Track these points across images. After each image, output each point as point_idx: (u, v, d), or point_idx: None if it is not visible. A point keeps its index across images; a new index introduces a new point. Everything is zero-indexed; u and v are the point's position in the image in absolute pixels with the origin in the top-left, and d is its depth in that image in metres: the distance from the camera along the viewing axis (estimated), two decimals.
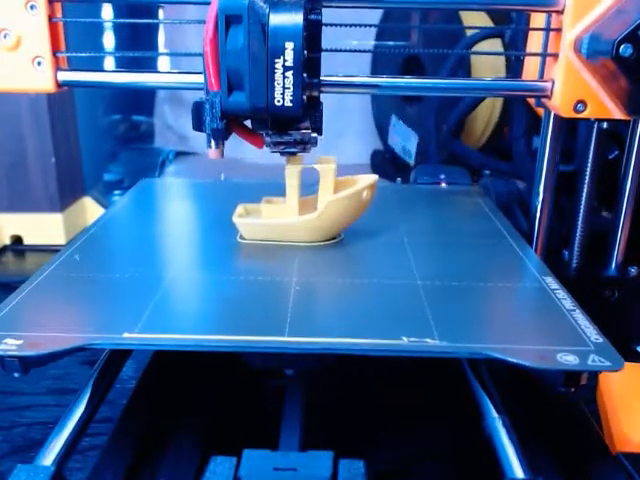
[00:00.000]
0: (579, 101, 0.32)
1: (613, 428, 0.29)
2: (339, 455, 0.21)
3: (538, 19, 0.35)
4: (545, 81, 0.34)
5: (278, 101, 0.29)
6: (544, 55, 0.34)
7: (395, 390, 0.35)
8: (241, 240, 0.36)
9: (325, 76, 0.32)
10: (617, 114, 0.32)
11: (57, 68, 0.33)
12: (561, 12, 0.32)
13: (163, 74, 0.35)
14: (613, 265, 0.39)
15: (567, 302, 0.28)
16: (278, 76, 0.29)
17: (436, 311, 0.27)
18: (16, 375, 0.23)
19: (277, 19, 0.28)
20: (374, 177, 0.35)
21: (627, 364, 0.23)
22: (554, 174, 0.39)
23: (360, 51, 0.34)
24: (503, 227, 0.38)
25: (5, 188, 0.61)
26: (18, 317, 0.26)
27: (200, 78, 0.31)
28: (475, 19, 0.68)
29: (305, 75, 0.29)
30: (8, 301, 0.28)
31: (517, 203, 0.50)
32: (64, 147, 0.63)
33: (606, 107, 0.32)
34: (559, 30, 0.32)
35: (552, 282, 0.30)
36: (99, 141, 0.83)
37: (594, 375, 0.29)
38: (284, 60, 0.28)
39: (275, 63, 0.28)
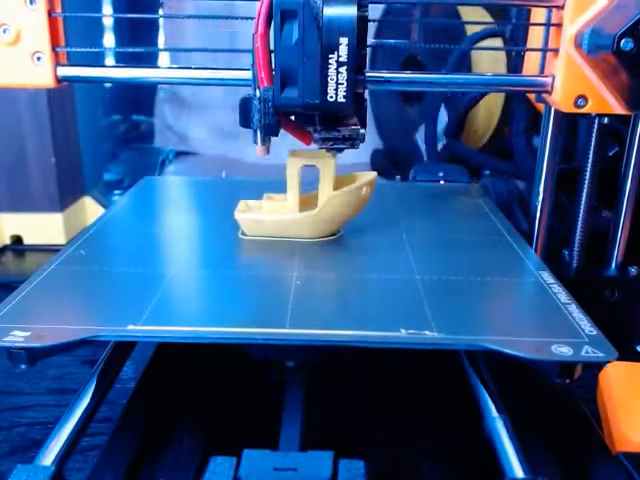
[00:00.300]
0: (580, 96, 0.32)
1: (613, 428, 0.29)
2: (339, 455, 0.21)
3: (538, 15, 0.35)
4: (546, 76, 0.34)
5: (331, 97, 0.29)
6: (544, 50, 0.34)
7: (395, 390, 0.35)
8: (243, 236, 0.36)
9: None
10: (618, 109, 0.32)
11: (56, 63, 0.33)
12: (561, 7, 0.32)
13: (163, 69, 0.35)
14: (613, 265, 0.39)
15: (562, 296, 0.28)
16: (332, 72, 0.29)
17: (434, 305, 0.27)
18: (23, 367, 0.24)
19: (331, 14, 0.28)
20: (373, 174, 0.36)
21: (627, 364, 0.23)
22: (554, 173, 0.39)
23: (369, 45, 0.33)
24: (500, 224, 0.39)
25: (5, 188, 0.61)
26: (25, 310, 0.27)
27: (197, 73, 0.31)
28: (475, 19, 0.68)
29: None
30: (15, 294, 0.28)
31: (517, 203, 0.50)
32: (64, 147, 0.63)
33: (607, 102, 0.32)
34: (559, 25, 0.32)
35: (548, 277, 0.31)
36: (99, 141, 0.82)
37: (588, 367, 0.29)
38: (338, 56, 0.28)
39: (329, 59, 0.28)
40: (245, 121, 0.31)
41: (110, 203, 0.68)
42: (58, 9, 0.33)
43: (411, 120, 0.78)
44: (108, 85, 0.87)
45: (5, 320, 0.26)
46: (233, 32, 0.52)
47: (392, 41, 0.78)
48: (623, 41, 0.29)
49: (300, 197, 0.35)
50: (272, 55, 0.30)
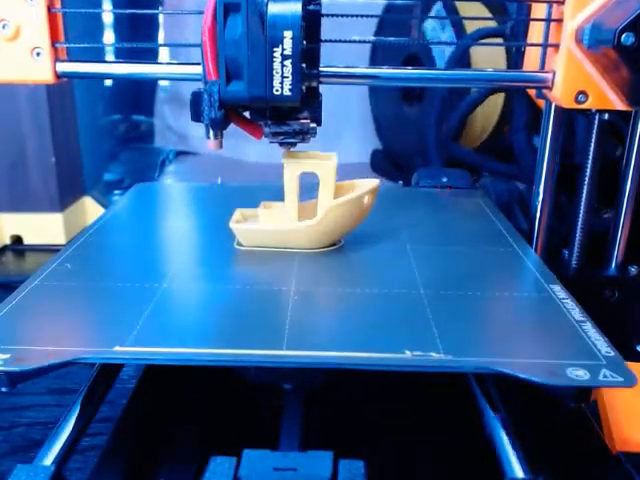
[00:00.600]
0: (580, 92, 0.32)
1: (613, 428, 0.29)
2: (339, 455, 0.21)
3: (539, 10, 0.35)
4: (546, 72, 0.34)
5: (277, 90, 0.29)
6: (545, 46, 0.34)
7: (394, 389, 0.34)
8: (238, 246, 0.35)
9: (324, 67, 0.32)
10: (619, 105, 0.32)
11: (56, 59, 0.33)
12: (562, 3, 0.32)
13: (162, 65, 0.35)
14: (613, 265, 0.39)
15: (576, 313, 0.27)
16: (277, 65, 0.29)
17: (440, 323, 0.26)
18: (3, 390, 0.23)
19: (276, 8, 0.28)
20: (376, 182, 0.34)
21: (627, 364, 0.23)
22: (554, 173, 0.39)
23: (360, 42, 0.33)
24: (507, 232, 0.38)
25: (5, 188, 0.61)
26: (5, 329, 0.25)
27: (199, 69, 0.31)
28: (477, 22, 0.68)
29: (304, 65, 0.29)
30: None
31: (517, 203, 0.50)
32: (64, 147, 0.63)
33: (607, 98, 0.32)
34: (560, 21, 0.32)
35: (560, 291, 0.29)
36: (99, 141, 0.82)
37: None
38: (282, 49, 0.28)
39: (274, 52, 0.28)
40: (196, 115, 0.31)
41: (110, 203, 0.68)
42: (57, 5, 0.33)
43: (411, 121, 0.78)
44: (108, 84, 0.87)
45: None
46: None
47: (391, 39, 0.78)
48: (624, 36, 0.29)
49: (299, 205, 0.34)
50: None
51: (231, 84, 0.29)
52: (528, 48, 0.37)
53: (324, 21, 0.30)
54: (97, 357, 0.24)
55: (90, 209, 0.67)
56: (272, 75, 0.29)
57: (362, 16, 0.33)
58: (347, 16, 0.32)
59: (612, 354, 0.24)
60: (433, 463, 0.30)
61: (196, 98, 0.30)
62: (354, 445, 0.29)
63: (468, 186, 0.49)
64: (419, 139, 0.71)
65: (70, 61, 0.34)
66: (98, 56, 0.62)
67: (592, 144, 0.37)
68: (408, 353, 0.24)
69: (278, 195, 0.35)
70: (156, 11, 0.71)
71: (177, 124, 0.94)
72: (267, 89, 0.29)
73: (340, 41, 0.32)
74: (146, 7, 0.36)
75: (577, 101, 0.32)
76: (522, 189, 0.53)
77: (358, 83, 0.35)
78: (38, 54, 0.33)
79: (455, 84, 0.38)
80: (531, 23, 0.37)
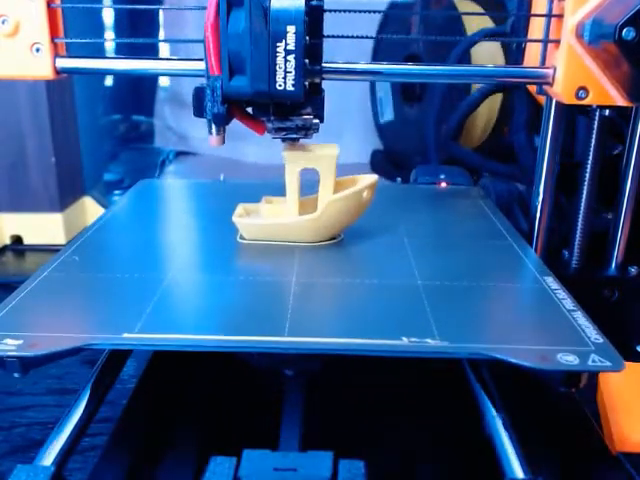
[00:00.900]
0: (581, 87, 0.32)
1: (613, 428, 0.29)
2: (339, 455, 0.21)
3: (540, 6, 0.35)
4: (547, 68, 0.34)
5: (280, 85, 0.29)
6: (545, 42, 0.34)
7: (394, 388, 0.35)
8: (241, 240, 0.36)
9: (326, 63, 0.32)
10: (619, 101, 0.32)
11: (55, 55, 0.33)
12: None
13: (163, 61, 0.35)
14: (613, 265, 0.39)
15: (567, 302, 0.28)
16: (280, 60, 0.29)
17: (436, 311, 0.27)
18: (16, 375, 0.23)
19: (279, 3, 0.28)
20: (374, 177, 0.35)
21: (627, 364, 0.23)
22: (554, 173, 0.39)
23: (361, 37, 0.33)
24: (503, 227, 0.38)
25: (5, 188, 0.61)
26: (18, 317, 0.26)
27: (200, 65, 0.31)
28: (475, 20, 0.68)
29: (307, 61, 0.29)
30: (8, 301, 0.27)
31: (517, 203, 0.50)
32: (64, 147, 0.63)
33: (608, 94, 0.32)
34: (561, 16, 0.32)
35: (552, 282, 0.30)
36: (99, 141, 0.83)
37: (594, 375, 0.29)
38: (286, 44, 0.28)
39: (277, 47, 0.28)
40: (198, 111, 0.31)
41: (110, 203, 0.68)
42: (57, 0, 0.33)
43: (411, 120, 0.78)
44: (108, 84, 0.87)
45: None
46: None
47: (392, 36, 0.78)
48: (625, 30, 0.28)
49: (299, 200, 0.35)
50: None
51: (234, 79, 0.29)
52: (529, 44, 0.37)
53: (327, 21, 0.30)
54: (106, 343, 0.25)
55: (90, 209, 0.67)
56: (275, 70, 0.29)
57: (364, 11, 0.33)
58: (349, 12, 0.32)
59: (601, 340, 0.25)
60: (433, 463, 0.30)
61: (199, 93, 0.30)
62: (353, 433, 0.29)
63: (466, 183, 0.49)
64: (419, 139, 0.71)
65: (70, 57, 0.34)
66: (98, 52, 0.62)
67: (592, 143, 0.37)
68: (405, 339, 0.24)
69: (279, 192, 0.35)
70: (158, 6, 0.71)
71: (177, 124, 0.94)
72: (270, 84, 0.29)
73: (342, 37, 0.32)
74: (146, 15, 0.36)
75: (578, 97, 0.32)
76: (522, 189, 0.53)
77: (360, 79, 0.35)
78: (38, 50, 0.33)
79: (456, 80, 0.38)
80: (531, 19, 0.37)
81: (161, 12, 0.89)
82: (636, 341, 0.39)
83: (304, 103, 0.31)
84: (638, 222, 0.38)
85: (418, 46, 0.75)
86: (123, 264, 0.32)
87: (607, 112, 0.36)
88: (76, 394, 0.26)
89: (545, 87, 0.35)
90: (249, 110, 0.32)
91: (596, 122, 0.37)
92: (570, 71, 0.32)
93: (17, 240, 0.63)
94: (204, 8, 0.29)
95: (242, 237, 0.36)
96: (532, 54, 0.37)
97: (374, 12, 0.34)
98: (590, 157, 0.38)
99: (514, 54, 0.57)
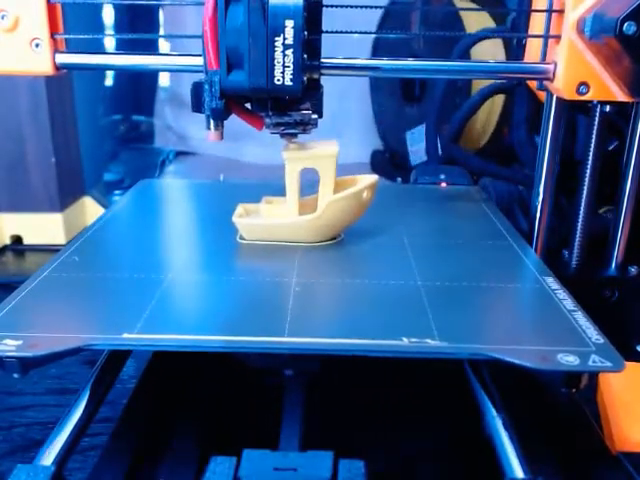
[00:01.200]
0: (582, 83, 0.32)
1: (613, 428, 0.29)
2: (339, 455, 0.21)
3: (540, 2, 0.35)
4: (547, 63, 0.33)
5: (278, 80, 0.29)
6: (546, 37, 0.34)
7: (394, 388, 0.35)
8: (241, 240, 0.36)
9: (325, 58, 0.32)
10: (620, 96, 0.32)
11: (55, 50, 0.33)
12: None
13: (163, 56, 0.35)
14: (613, 265, 0.39)
15: (568, 302, 0.28)
16: (278, 55, 0.29)
17: (437, 312, 0.27)
18: (15, 376, 0.23)
19: None
20: (375, 177, 0.35)
21: (627, 364, 0.23)
22: (554, 173, 0.38)
23: (361, 33, 0.33)
24: (503, 228, 0.38)
25: (5, 188, 0.61)
26: (18, 317, 0.26)
27: (199, 60, 0.31)
28: (476, 19, 0.68)
29: (305, 56, 0.29)
30: (8, 301, 0.27)
31: (517, 203, 0.50)
32: (64, 147, 0.63)
33: (609, 89, 0.32)
34: (561, 12, 0.32)
35: (553, 282, 0.30)
36: (99, 141, 0.83)
37: (594, 375, 0.29)
38: (284, 38, 0.28)
39: (275, 41, 0.28)
40: (196, 106, 0.31)
41: (110, 203, 0.68)
42: None
43: (412, 120, 0.78)
44: (108, 84, 0.87)
45: None
46: None
47: (392, 36, 0.79)
48: (626, 25, 0.28)
49: (299, 201, 0.35)
50: None
51: (232, 74, 0.29)
52: (529, 40, 0.37)
53: (325, 23, 0.30)
54: (106, 343, 0.25)
55: (90, 209, 0.67)
56: (273, 65, 0.29)
57: (364, 7, 0.33)
58: (348, 7, 0.32)
59: (601, 341, 0.24)
60: (433, 462, 0.30)
61: (197, 88, 0.30)
62: (353, 433, 0.29)
63: (466, 184, 0.49)
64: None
65: (69, 52, 0.34)
66: (98, 48, 0.62)
67: (592, 141, 0.37)
68: (405, 340, 0.24)
69: (279, 192, 0.35)
70: (157, 2, 0.70)
71: (177, 124, 0.94)
72: (268, 79, 0.29)
73: (341, 32, 0.32)
74: (145, 8, 0.36)
75: (578, 92, 0.32)
76: (522, 189, 0.53)
77: (360, 75, 0.35)
78: (37, 45, 0.32)
79: (457, 75, 0.37)
80: (532, 15, 0.37)
81: (161, 12, 0.89)
82: (636, 341, 0.39)
83: (302, 98, 0.31)
84: (638, 222, 0.38)
85: (419, 47, 0.75)
86: (123, 264, 0.32)
87: (608, 108, 0.36)
88: (76, 394, 0.26)
89: (546, 83, 0.35)
90: (247, 106, 0.32)
91: (596, 119, 0.37)
92: (571, 66, 0.32)
93: (17, 240, 0.63)
94: (202, 3, 0.29)
95: (242, 237, 0.36)
96: (533, 50, 0.37)
97: (374, 7, 0.34)
98: (590, 156, 0.37)
99: (515, 53, 0.57)
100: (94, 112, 0.81)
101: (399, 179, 0.57)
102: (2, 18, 0.32)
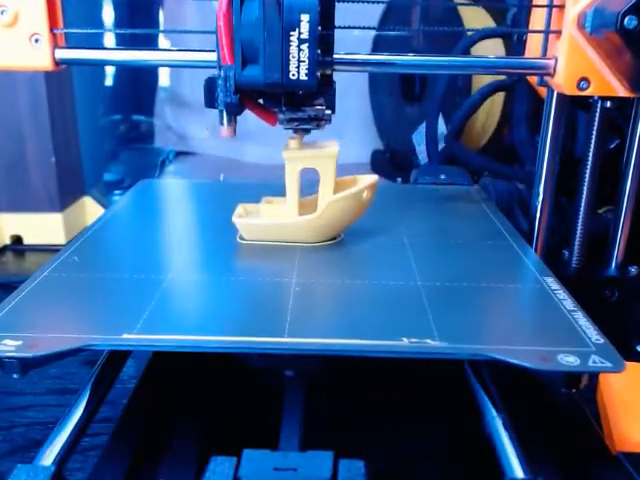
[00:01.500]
0: (582, 78, 0.32)
1: (613, 428, 0.29)
2: (339, 455, 0.21)
3: None
4: (548, 58, 0.33)
5: (293, 75, 0.29)
6: (547, 32, 0.34)
7: (394, 388, 0.35)
8: (241, 240, 0.36)
9: (337, 54, 0.32)
10: (621, 91, 0.32)
11: (55, 46, 0.33)
12: None
13: (163, 51, 0.35)
14: (613, 265, 0.39)
15: (568, 303, 0.28)
16: (293, 49, 0.28)
17: (437, 312, 0.27)
18: (15, 376, 0.23)
19: None
20: (375, 177, 0.35)
21: (627, 364, 0.23)
22: (554, 173, 0.38)
23: (366, 28, 0.34)
24: (503, 227, 0.38)
25: (5, 188, 0.61)
26: (17, 318, 0.26)
27: (199, 55, 0.31)
28: (476, 18, 0.68)
29: (319, 51, 0.29)
30: (7, 301, 0.27)
31: (517, 203, 0.50)
32: (64, 147, 0.63)
33: (610, 84, 0.32)
34: (562, 6, 0.32)
35: (553, 283, 0.30)
36: (99, 141, 0.83)
37: (594, 375, 0.29)
38: (299, 33, 0.28)
39: (290, 36, 0.28)
40: (210, 102, 0.31)
41: (110, 203, 0.68)
42: None
43: (412, 120, 0.78)
44: (108, 84, 0.87)
45: None
46: None
47: (392, 33, 0.79)
48: (627, 19, 0.28)
49: (299, 201, 0.35)
50: None
51: (247, 68, 0.29)
52: (530, 35, 0.37)
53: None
54: (106, 344, 0.25)
55: (90, 209, 0.67)
56: (288, 60, 0.29)
57: (371, 2, 0.33)
58: (359, 2, 0.32)
59: (602, 341, 0.24)
60: (433, 462, 0.30)
61: (210, 84, 0.30)
62: (353, 433, 0.29)
63: (467, 183, 0.49)
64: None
65: (69, 48, 0.33)
66: (97, 43, 0.62)
67: (593, 139, 0.37)
68: (405, 340, 0.24)
69: (279, 192, 0.35)
70: None
71: (177, 124, 0.94)
72: (283, 74, 0.29)
73: (350, 27, 0.32)
74: (145, 8, 0.36)
75: (579, 88, 0.32)
76: (522, 189, 0.53)
77: (373, 71, 0.35)
78: (37, 40, 0.32)
79: (459, 71, 0.38)
80: (533, 10, 0.37)
81: (161, 12, 0.89)
82: (636, 341, 0.39)
83: (316, 94, 0.31)
84: (638, 222, 0.38)
85: (419, 45, 0.75)
86: (123, 264, 0.32)
87: (608, 104, 0.35)
88: (76, 394, 0.26)
89: (546, 78, 0.35)
90: (260, 101, 0.32)
91: (597, 115, 0.37)
92: (571, 62, 0.32)
93: (17, 240, 0.63)
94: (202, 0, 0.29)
95: (242, 237, 0.36)
96: (533, 45, 0.36)
97: (380, 2, 0.34)
98: (590, 154, 0.37)
99: (515, 51, 0.57)
100: (94, 112, 0.81)
101: (399, 179, 0.57)
102: (2, 13, 0.32)
